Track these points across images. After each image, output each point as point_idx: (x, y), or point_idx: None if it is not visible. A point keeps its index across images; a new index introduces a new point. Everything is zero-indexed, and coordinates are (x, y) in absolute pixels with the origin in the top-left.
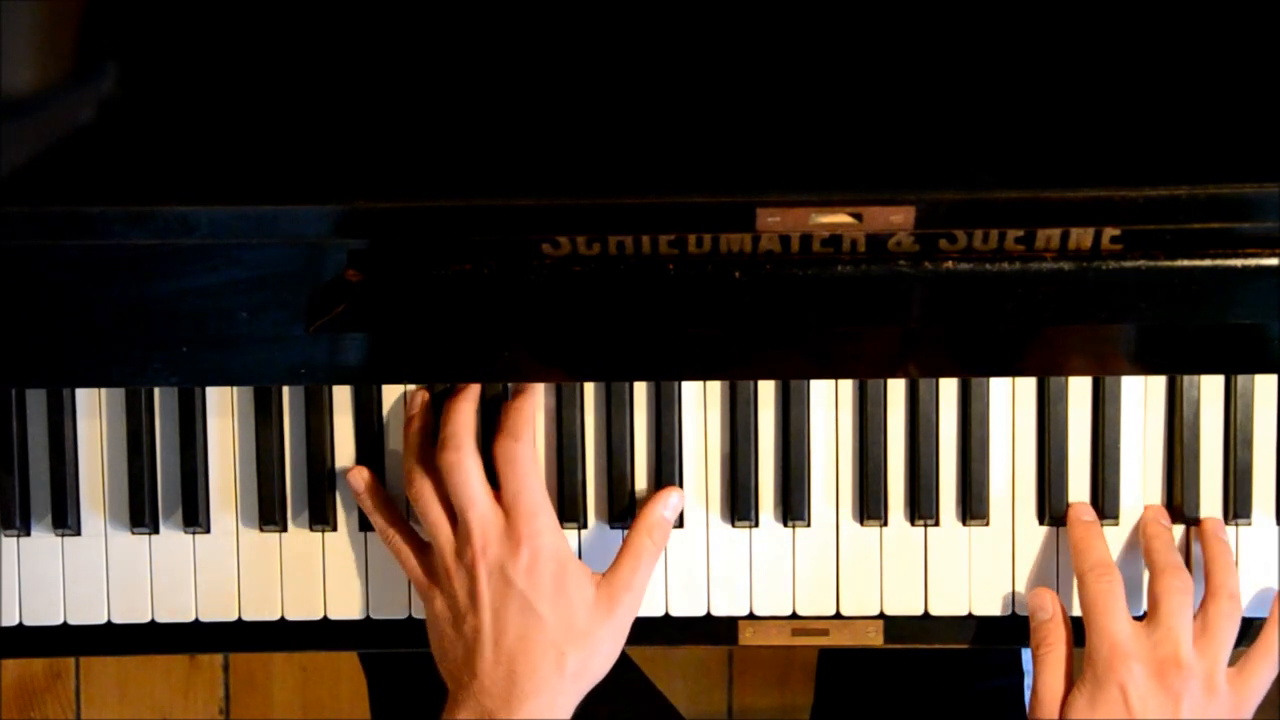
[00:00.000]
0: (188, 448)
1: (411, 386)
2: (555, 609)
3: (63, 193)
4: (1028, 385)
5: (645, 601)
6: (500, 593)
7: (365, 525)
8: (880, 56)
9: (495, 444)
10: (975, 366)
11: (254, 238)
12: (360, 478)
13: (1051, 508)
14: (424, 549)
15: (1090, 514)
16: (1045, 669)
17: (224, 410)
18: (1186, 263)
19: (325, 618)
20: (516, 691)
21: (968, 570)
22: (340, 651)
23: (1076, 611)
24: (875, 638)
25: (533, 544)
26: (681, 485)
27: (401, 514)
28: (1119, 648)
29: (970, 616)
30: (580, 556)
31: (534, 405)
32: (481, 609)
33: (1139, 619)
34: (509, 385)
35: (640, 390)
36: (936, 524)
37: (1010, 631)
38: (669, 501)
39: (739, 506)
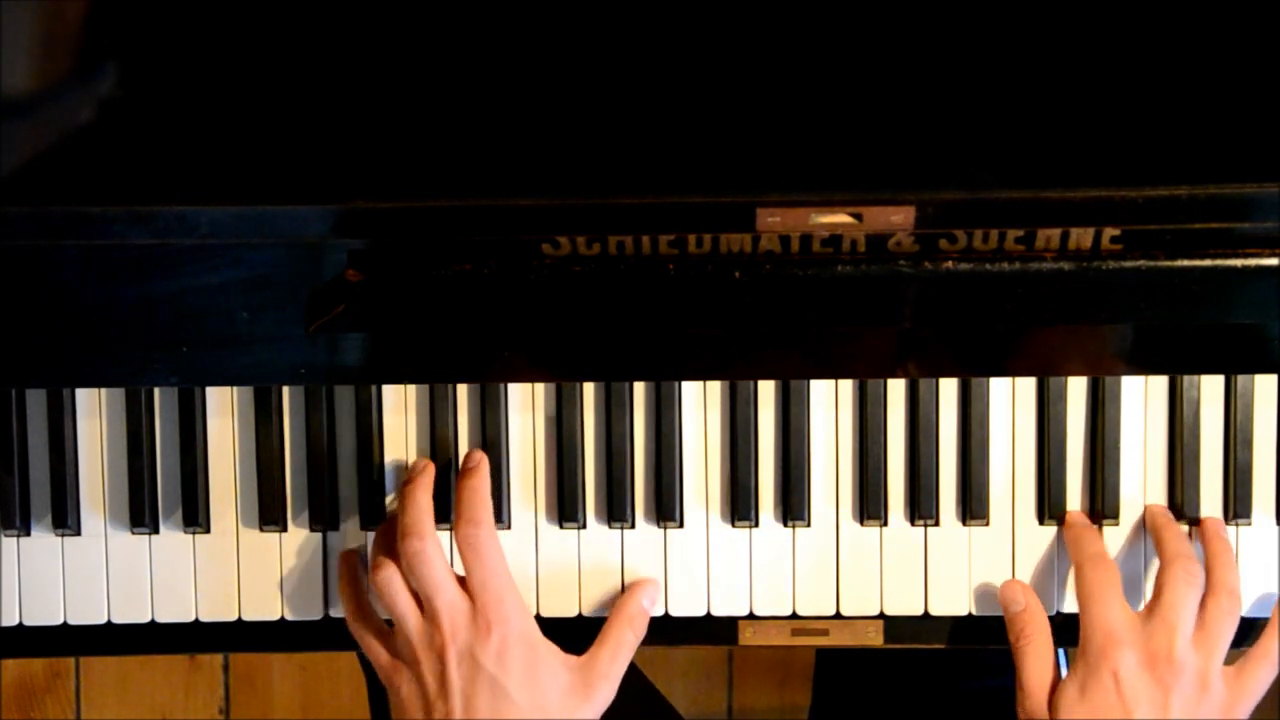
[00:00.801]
0: (188, 448)
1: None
2: (527, 692)
3: (63, 193)
4: (1028, 385)
5: None
6: (470, 678)
7: (367, 525)
8: (880, 56)
9: (455, 531)
10: (975, 366)
11: (254, 238)
12: (346, 564)
13: (1051, 508)
14: (388, 636)
15: (1086, 521)
16: (1028, 660)
17: (224, 410)
18: (1186, 263)
19: (325, 617)
20: None
21: (968, 570)
22: (340, 651)
23: (1069, 607)
24: (875, 638)
25: (503, 628)
26: (681, 485)
27: (369, 603)
28: (1113, 635)
29: (970, 616)
30: (579, 557)
31: (486, 483)
32: (452, 694)
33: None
34: (456, 460)
35: (640, 390)
36: (936, 524)
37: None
38: (649, 592)
39: (739, 506)
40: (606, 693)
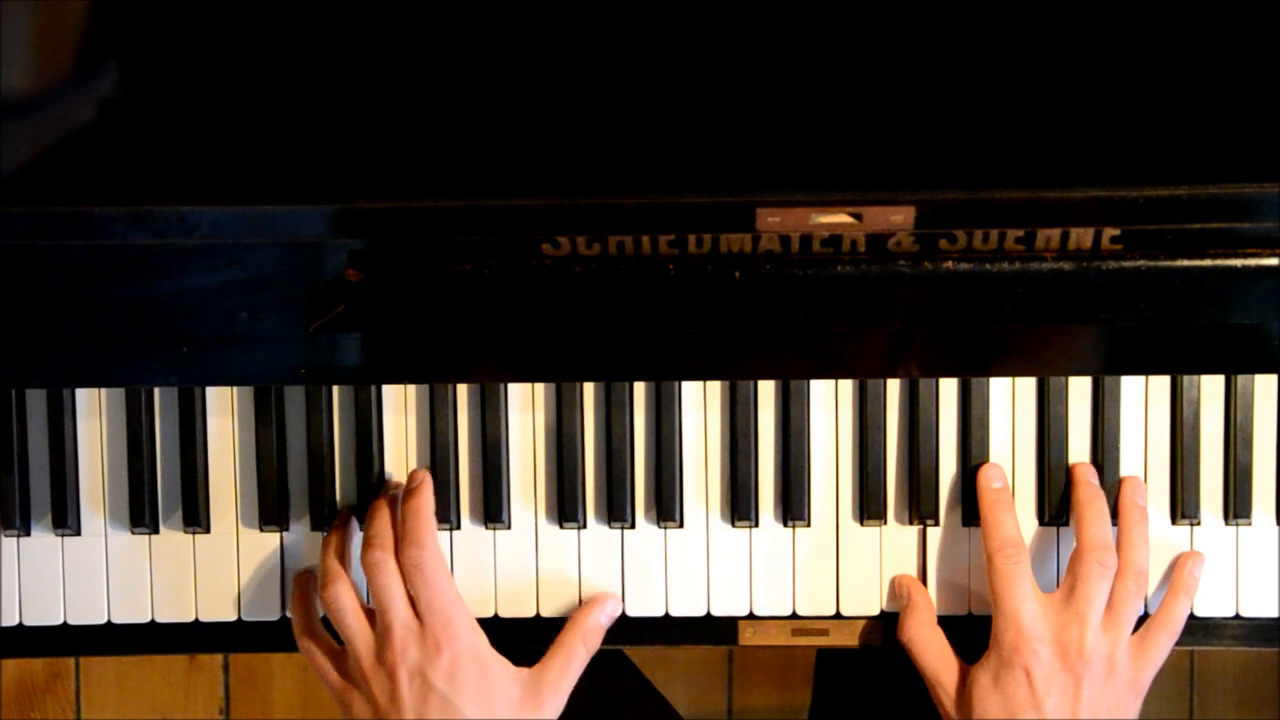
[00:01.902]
0: (188, 448)
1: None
2: (479, 709)
3: (63, 193)
4: (1028, 385)
5: (645, 601)
6: (421, 696)
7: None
8: (880, 56)
9: (400, 554)
10: (975, 366)
11: (254, 238)
12: (299, 585)
13: (1052, 508)
14: (339, 654)
15: (1000, 480)
16: (925, 652)
17: (224, 410)
18: (1186, 263)
19: (325, 617)
20: None
21: (968, 570)
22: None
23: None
24: (875, 638)
25: (452, 647)
26: (681, 485)
27: (320, 623)
28: (1025, 631)
29: (970, 616)
30: (579, 559)
31: (429, 504)
32: (404, 712)
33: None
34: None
35: (640, 390)
36: (936, 524)
37: None
38: (606, 608)
39: (739, 506)
40: (555, 705)
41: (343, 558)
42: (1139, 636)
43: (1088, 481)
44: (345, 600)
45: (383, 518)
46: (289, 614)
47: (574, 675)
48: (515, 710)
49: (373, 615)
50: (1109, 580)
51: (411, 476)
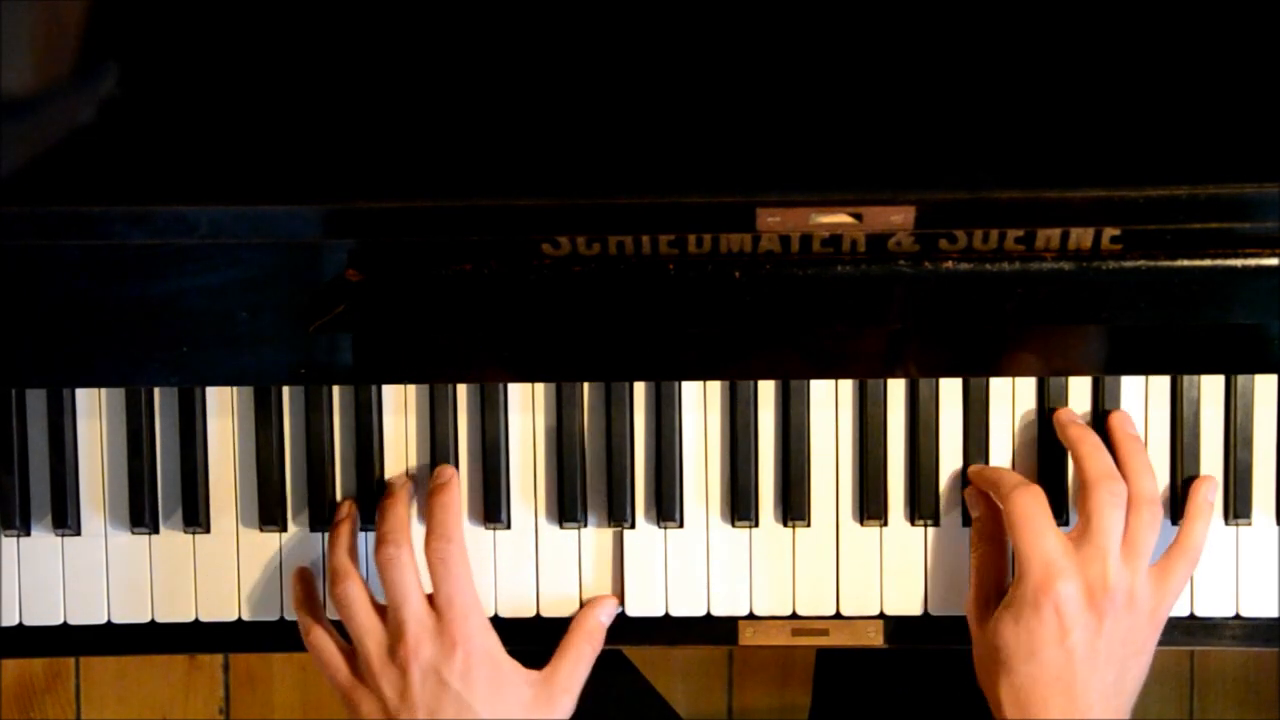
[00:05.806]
0: (188, 448)
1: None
2: (492, 710)
3: (63, 193)
4: (1028, 385)
5: (645, 601)
6: (435, 694)
7: (365, 526)
8: (880, 56)
9: (427, 546)
10: (975, 366)
11: (254, 238)
12: (302, 581)
13: (1052, 507)
14: (349, 652)
15: (990, 467)
16: (974, 567)
17: (224, 410)
18: (1186, 263)
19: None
20: None
21: (968, 570)
22: None
23: None
24: (875, 638)
25: (467, 645)
26: (682, 485)
27: (325, 617)
28: (1051, 566)
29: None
30: (579, 559)
31: (459, 500)
32: (415, 709)
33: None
34: (456, 460)
35: (640, 390)
36: (936, 524)
37: None
38: (606, 608)
39: (739, 506)
40: (567, 705)
41: (352, 554)
42: (1159, 566)
43: (1073, 422)
44: (357, 597)
45: (396, 514)
46: (294, 611)
47: (583, 675)
48: (528, 711)
49: (383, 612)
50: (1122, 510)
51: (439, 473)
